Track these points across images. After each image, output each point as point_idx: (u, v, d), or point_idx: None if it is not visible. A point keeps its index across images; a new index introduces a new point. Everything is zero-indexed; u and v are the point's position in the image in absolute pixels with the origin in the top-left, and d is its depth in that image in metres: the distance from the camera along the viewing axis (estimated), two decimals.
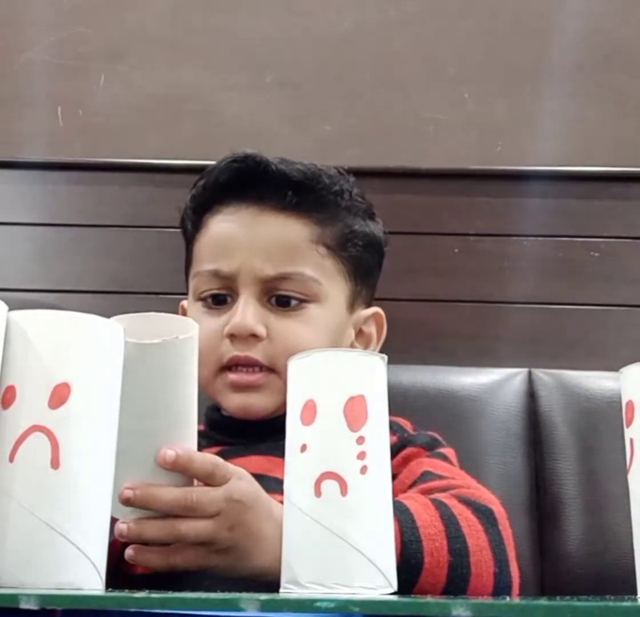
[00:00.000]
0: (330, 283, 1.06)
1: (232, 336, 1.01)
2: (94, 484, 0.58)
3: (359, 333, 1.11)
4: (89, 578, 0.56)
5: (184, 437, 0.74)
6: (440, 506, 0.85)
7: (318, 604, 0.48)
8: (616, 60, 1.71)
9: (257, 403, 1.02)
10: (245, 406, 1.02)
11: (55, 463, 0.56)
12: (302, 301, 1.04)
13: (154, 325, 0.73)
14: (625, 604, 0.48)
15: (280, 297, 1.03)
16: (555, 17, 1.73)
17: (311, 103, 1.72)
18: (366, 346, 1.12)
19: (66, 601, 0.49)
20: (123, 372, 0.62)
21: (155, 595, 0.49)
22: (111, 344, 0.61)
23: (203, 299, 1.06)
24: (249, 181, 1.06)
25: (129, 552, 0.73)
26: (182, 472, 0.73)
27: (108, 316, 0.65)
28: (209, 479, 0.75)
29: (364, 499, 0.60)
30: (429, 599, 0.53)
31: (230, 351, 1.01)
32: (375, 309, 1.13)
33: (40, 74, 1.73)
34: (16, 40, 1.74)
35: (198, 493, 0.74)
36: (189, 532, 0.73)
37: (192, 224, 1.11)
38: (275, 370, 1.01)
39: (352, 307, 1.10)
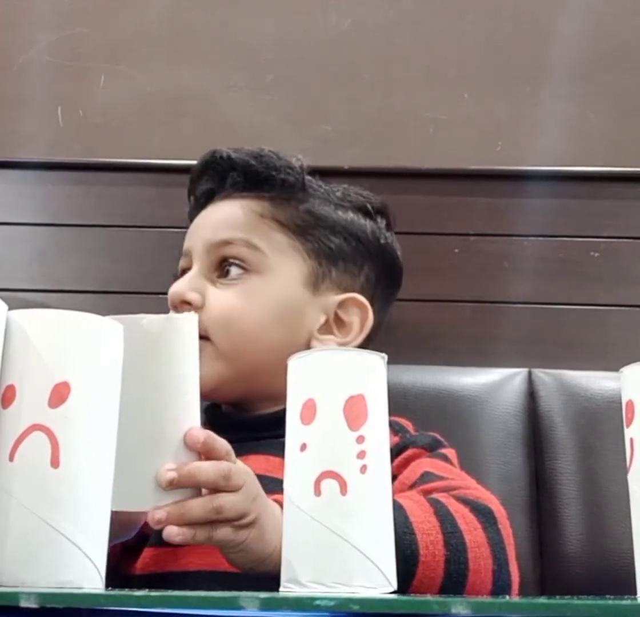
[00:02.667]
0: (280, 256, 1.08)
1: (173, 307, 1.06)
2: (94, 483, 0.58)
3: (338, 321, 1.09)
4: (89, 577, 0.56)
5: (195, 414, 0.75)
6: (435, 503, 0.86)
7: (318, 602, 0.48)
8: (616, 60, 1.71)
9: (202, 370, 1.03)
10: None
11: (55, 462, 0.56)
12: (245, 271, 1.07)
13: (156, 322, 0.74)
14: (624, 603, 0.48)
15: (223, 267, 1.08)
16: (555, 17, 1.73)
17: (311, 103, 1.72)
18: (346, 335, 1.09)
19: (66, 599, 0.49)
20: (134, 351, 0.62)
21: (155, 593, 0.50)
22: (111, 344, 0.61)
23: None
24: (211, 175, 1.15)
25: (172, 530, 0.73)
26: (208, 451, 0.74)
27: (108, 316, 0.65)
28: (228, 457, 0.77)
29: (363, 498, 0.60)
30: (428, 597, 0.53)
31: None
32: (352, 295, 1.11)
33: (40, 74, 1.73)
34: (16, 41, 1.74)
35: (229, 464, 0.75)
36: (227, 505, 0.74)
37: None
38: (209, 338, 1.03)
39: (315, 287, 1.09)
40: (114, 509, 0.68)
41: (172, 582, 0.94)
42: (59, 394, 0.57)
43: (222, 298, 1.06)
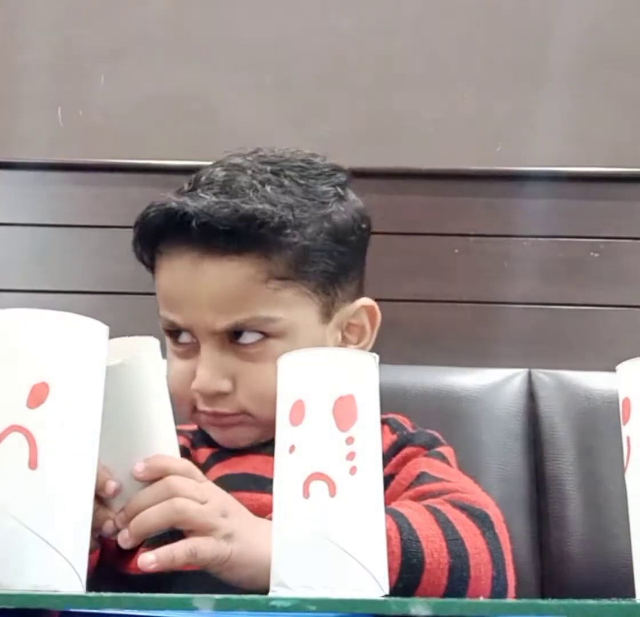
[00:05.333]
0: (294, 312, 1.00)
1: (204, 398, 0.99)
2: (73, 485, 0.57)
3: (350, 326, 1.07)
4: (67, 579, 0.55)
5: (160, 452, 0.76)
6: (434, 511, 0.85)
7: (273, 603, 0.48)
8: (616, 60, 1.71)
9: (238, 436, 1.01)
10: (229, 439, 1.02)
11: (33, 463, 0.55)
12: (265, 336, 0.98)
13: (118, 350, 0.73)
14: (589, 602, 0.47)
15: (239, 334, 0.98)
16: (555, 17, 1.73)
17: (311, 103, 1.72)
18: (360, 338, 1.07)
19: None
20: None
21: (106, 595, 0.49)
22: (93, 344, 0.59)
23: (170, 335, 1.02)
24: (181, 230, 0.98)
25: (149, 557, 0.73)
26: (160, 473, 0.75)
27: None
28: (189, 475, 0.77)
29: (353, 500, 0.59)
30: (387, 598, 0.53)
31: (199, 402, 1.00)
32: (362, 303, 1.06)
33: (40, 74, 1.74)
34: (16, 41, 1.74)
35: (180, 479, 0.76)
36: (185, 505, 0.75)
37: (144, 264, 1.06)
38: (246, 412, 0.99)
39: (328, 316, 1.05)
40: None
41: (169, 582, 0.93)
42: (38, 395, 0.56)
43: (255, 377, 0.97)
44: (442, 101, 1.71)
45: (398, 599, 0.49)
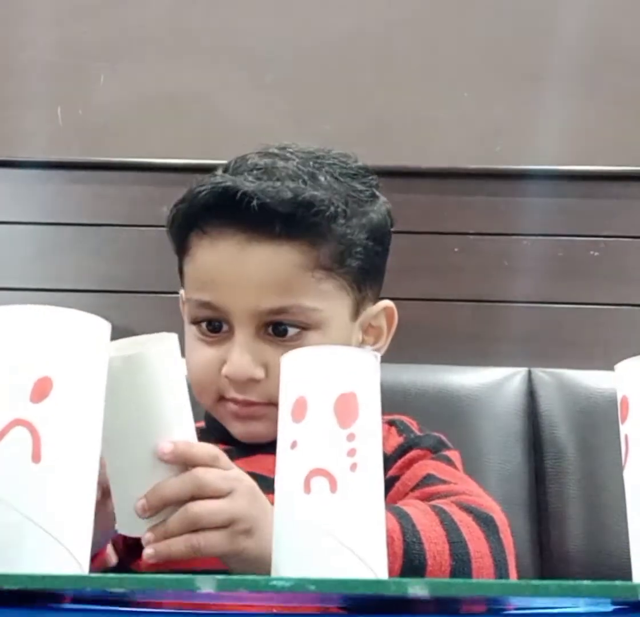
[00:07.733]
0: (331, 305, 1.00)
1: (235, 384, 0.98)
2: (76, 478, 0.58)
3: (369, 328, 1.08)
4: (70, 572, 0.56)
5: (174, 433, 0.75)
6: (440, 512, 0.85)
7: (274, 583, 0.48)
8: (616, 60, 1.71)
9: (259, 431, 1.00)
10: (248, 433, 1.01)
11: (36, 457, 0.56)
12: (302, 329, 0.98)
13: (135, 346, 0.73)
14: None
15: (277, 326, 0.98)
16: (555, 17, 1.73)
17: (311, 103, 1.72)
18: (377, 339, 1.08)
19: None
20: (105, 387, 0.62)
21: (110, 575, 0.50)
22: (95, 340, 0.60)
23: (197, 324, 1.01)
24: (232, 210, 0.97)
25: (148, 551, 0.72)
26: (185, 461, 0.74)
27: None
28: (216, 462, 0.76)
29: (353, 496, 0.60)
30: (386, 578, 0.53)
31: (229, 390, 0.99)
32: (383, 305, 1.07)
33: (40, 74, 1.74)
34: (16, 40, 1.74)
35: (206, 471, 0.74)
36: (203, 512, 0.73)
37: (177, 245, 1.04)
38: (273, 403, 0.98)
39: (357, 314, 1.05)
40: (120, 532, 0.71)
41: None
42: (41, 389, 0.57)
43: None
44: (442, 101, 1.71)
45: (397, 579, 0.50)
